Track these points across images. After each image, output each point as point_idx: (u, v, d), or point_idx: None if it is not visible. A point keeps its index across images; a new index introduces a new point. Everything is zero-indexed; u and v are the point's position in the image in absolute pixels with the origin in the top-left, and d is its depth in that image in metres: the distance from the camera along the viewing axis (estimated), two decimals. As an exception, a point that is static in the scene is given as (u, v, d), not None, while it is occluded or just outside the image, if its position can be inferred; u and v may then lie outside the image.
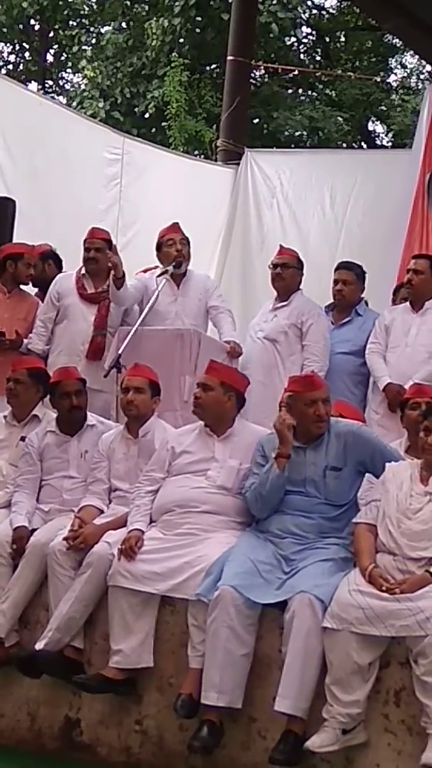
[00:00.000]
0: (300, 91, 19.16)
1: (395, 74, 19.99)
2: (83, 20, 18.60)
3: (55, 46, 19.85)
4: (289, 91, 18.63)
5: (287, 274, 6.80)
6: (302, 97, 18.82)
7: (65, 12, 18.01)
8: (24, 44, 19.85)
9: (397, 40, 17.43)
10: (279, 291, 6.83)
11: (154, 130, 16.29)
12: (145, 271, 7.04)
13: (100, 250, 6.77)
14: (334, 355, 6.65)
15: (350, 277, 6.89)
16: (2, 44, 19.69)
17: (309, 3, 19.09)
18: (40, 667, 4.93)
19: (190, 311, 6.64)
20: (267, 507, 4.78)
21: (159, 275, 6.64)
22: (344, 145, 17.63)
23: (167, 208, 9.44)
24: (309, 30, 19.73)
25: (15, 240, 7.29)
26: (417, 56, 16.83)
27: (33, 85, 18.45)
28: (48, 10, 17.47)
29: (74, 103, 16.53)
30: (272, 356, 6.65)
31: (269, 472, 4.73)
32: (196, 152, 14.94)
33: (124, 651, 4.70)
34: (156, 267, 6.93)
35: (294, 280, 6.82)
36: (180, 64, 15.05)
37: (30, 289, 7.15)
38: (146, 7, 17.41)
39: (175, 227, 6.79)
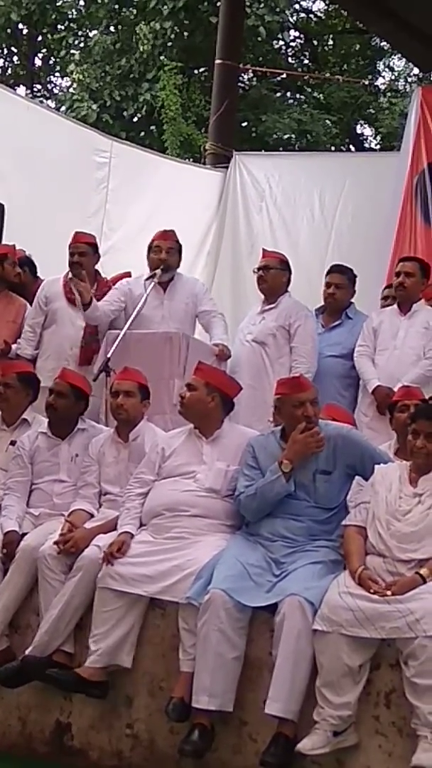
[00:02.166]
0: (288, 94, 19.18)
1: (383, 77, 20.06)
2: (71, 24, 18.60)
3: (44, 50, 19.84)
4: (278, 94, 18.64)
5: (269, 276, 6.80)
6: (290, 100, 18.84)
7: (53, 16, 18.01)
8: (12, 48, 19.83)
9: (384, 43, 17.46)
10: (264, 293, 6.84)
11: (143, 133, 16.29)
12: (123, 276, 7.08)
13: (84, 255, 6.78)
14: (324, 358, 6.65)
15: (342, 281, 6.90)
16: (-10, 48, 19.71)
17: (296, 6, 19.14)
18: (28, 673, 4.91)
19: (176, 315, 6.64)
20: (263, 513, 4.78)
21: (147, 278, 6.65)
22: (333, 148, 17.64)
23: (155, 211, 9.46)
24: (297, 33, 19.77)
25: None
26: (404, 59, 16.86)
27: (21, 89, 18.44)
28: (35, 14, 17.46)
29: (64, 107, 16.53)
30: (261, 359, 6.65)
31: (275, 483, 4.72)
32: (189, 156, 14.93)
33: (100, 650, 4.70)
34: (126, 273, 7.06)
35: (278, 282, 6.80)
36: (174, 67, 15.04)
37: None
38: (134, 11, 17.40)
39: (166, 234, 6.75)
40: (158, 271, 6.61)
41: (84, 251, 6.79)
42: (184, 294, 6.72)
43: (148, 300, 6.55)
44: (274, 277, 6.80)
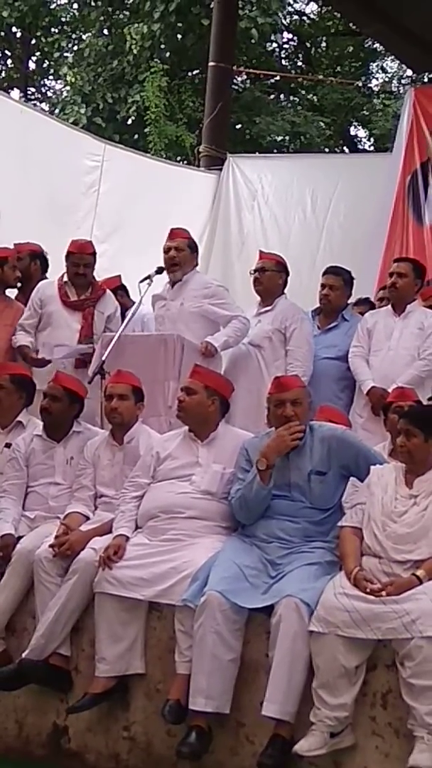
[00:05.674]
0: (282, 96, 19.22)
1: (376, 79, 20.15)
2: (64, 27, 18.61)
3: (37, 53, 19.85)
4: (271, 96, 18.68)
5: (265, 278, 6.79)
6: (284, 102, 18.87)
7: (46, 19, 18.02)
8: (6, 51, 19.84)
9: (377, 45, 17.50)
10: (260, 295, 6.83)
11: (136, 136, 16.30)
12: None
13: (89, 266, 6.80)
14: (320, 360, 6.63)
15: (337, 282, 6.87)
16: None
17: (289, 8, 19.16)
18: (25, 676, 4.92)
19: (173, 315, 6.62)
20: (252, 515, 4.78)
21: (141, 281, 6.65)
22: (326, 149, 17.69)
23: (149, 214, 9.47)
24: (290, 35, 19.81)
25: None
26: (397, 61, 16.90)
27: (15, 93, 18.45)
28: (28, 16, 17.46)
29: (56, 110, 16.53)
30: (256, 362, 6.64)
31: (253, 483, 4.72)
32: (177, 157, 14.97)
33: (109, 659, 4.70)
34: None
35: (273, 284, 6.79)
36: (159, 69, 15.06)
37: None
38: (127, 14, 17.41)
39: (172, 233, 6.74)
40: (151, 273, 6.62)
41: (89, 263, 6.81)
42: (183, 295, 6.64)
43: (158, 300, 6.63)
44: (269, 278, 6.79)
